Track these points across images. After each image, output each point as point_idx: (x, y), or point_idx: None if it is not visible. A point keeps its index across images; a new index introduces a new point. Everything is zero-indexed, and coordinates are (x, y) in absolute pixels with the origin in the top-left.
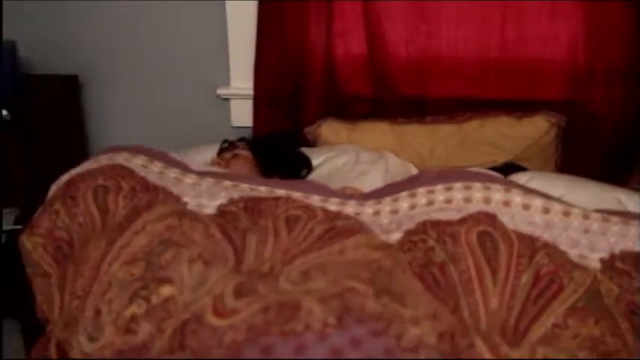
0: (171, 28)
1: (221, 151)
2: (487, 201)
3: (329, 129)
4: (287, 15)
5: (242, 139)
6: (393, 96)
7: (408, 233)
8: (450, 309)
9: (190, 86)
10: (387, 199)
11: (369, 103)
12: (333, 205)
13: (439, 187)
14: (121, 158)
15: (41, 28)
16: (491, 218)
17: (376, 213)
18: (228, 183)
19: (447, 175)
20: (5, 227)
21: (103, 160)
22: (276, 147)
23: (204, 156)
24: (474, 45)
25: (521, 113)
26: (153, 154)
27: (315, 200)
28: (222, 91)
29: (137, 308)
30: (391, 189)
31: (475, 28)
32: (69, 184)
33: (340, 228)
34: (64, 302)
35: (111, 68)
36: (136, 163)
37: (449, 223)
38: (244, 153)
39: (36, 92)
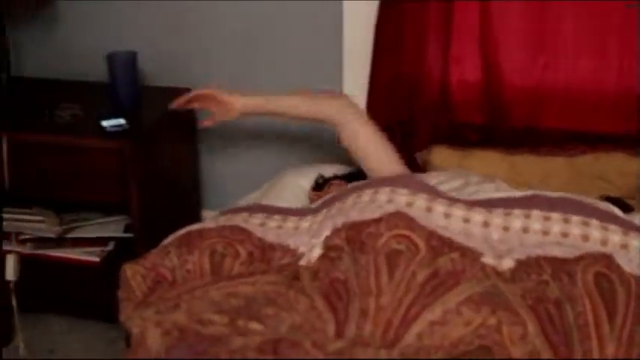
0: (286, 48)
1: (316, 187)
2: (604, 243)
3: (440, 155)
4: (404, 39)
5: (336, 177)
6: (504, 125)
7: (521, 264)
8: (562, 355)
9: None
10: (499, 211)
11: (480, 131)
12: (440, 205)
13: (555, 215)
14: (239, 219)
15: (159, 40)
16: (608, 259)
17: (486, 224)
18: (336, 207)
19: (565, 205)
20: (115, 234)
21: (222, 220)
22: None
23: (301, 181)
24: (590, 77)
25: (638, 149)
26: (271, 210)
27: (421, 200)
28: None
29: (218, 319)
30: (504, 202)
31: (592, 60)
32: (187, 236)
33: (444, 274)
34: (149, 299)
35: (224, 81)
36: (254, 222)
37: (564, 260)
38: (338, 181)
39: (152, 104)
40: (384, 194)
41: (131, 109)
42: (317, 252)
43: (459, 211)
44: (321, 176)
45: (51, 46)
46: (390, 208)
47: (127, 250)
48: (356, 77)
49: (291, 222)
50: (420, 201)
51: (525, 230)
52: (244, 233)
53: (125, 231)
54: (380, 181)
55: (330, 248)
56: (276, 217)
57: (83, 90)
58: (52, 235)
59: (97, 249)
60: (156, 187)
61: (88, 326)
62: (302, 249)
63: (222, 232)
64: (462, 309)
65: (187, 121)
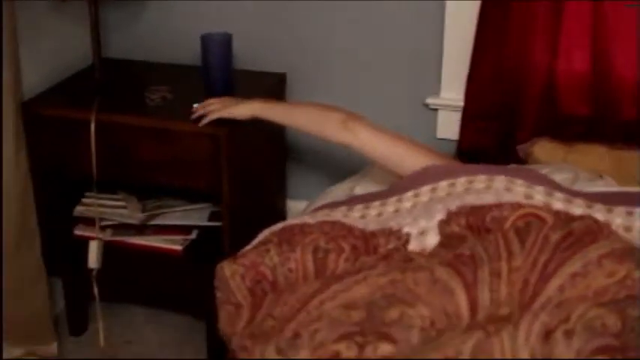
0: (385, 31)
1: None
2: None
3: (543, 148)
4: (509, 27)
5: None
6: (612, 118)
7: None
8: None
9: (398, 92)
10: (621, 209)
11: (586, 123)
12: (558, 201)
13: None
14: (339, 214)
15: (255, 24)
16: None
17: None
18: (442, 187)
19: None
20: (199, 223)
21: (320, 215)
22: None
23: None
24: None
25: None
26: (368, 198)
27: (538, 193)
28: (431, 101)
29: (345, 349)
30: (625, 198)
31: None
32: (286, 231)
33: (579, 233)
34: (255, 320)
35: (318, 68)
36: (354, 216)
37: None
38: None
39: (245, 88)
40: (500, 182)
41: (224, 93)
42: (433, 238)
43: (578, 209)
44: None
45: (141, 28)
46: (508, 197)
47: (210, 240)
48: (455, 65)
49: (390, 205)
50: (539, 195)
51: None
52: (345, 228)
53: (209, 219)
54: (491, 169)
55: (450, 237)
56: (375, 203)
57: (173, 73)
58: (134, 222)
59: (180, 237)
60: (246, 176)
61: (168, 318)
62: (407, 229)
63: (323, 227)
64: (604, 261)
65: None
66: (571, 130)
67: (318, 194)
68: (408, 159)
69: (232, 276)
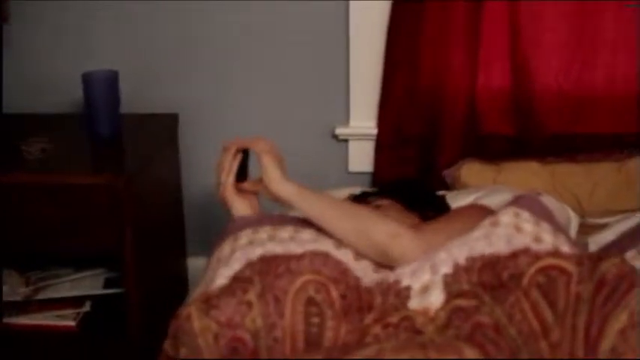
0: (284, 58)
1: None
2: None
3: (471, 171)
4: (422, 43)
5: (367, 194)
6: (538, 133)
7: None
8: None
9: (303, 125)
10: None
11: (510, 141)
12: (564, 244)
13: None
14: (330, 244)
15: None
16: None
17: None
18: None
19: None
20: (94, 292)
21: (308, 242)
22: (417, 188)
23: None
24: (632, 77)
25: None
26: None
27: (545, 232)
28: (340, 131)
29: None
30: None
31: (635, 60)
32: (269, 266)
33: (612, 280)
34: None
35: (214, 105)
36: (347, 254)
37: None
38: (386, 202)
39: (134, 132)
40: (508, 217)
41: (111, 138)
42: (437, 297)
43: None
44: (352, 195)
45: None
46: (519, 240)
47: (107, 311)
48: (364, 89)
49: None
50: (547, 235)
51: None
52: (339, 267)
53: (105, 287)
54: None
55: (458, 295)
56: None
57: (49, 123)
58: (17, 298)
59: (72, 311)
60: (148, 233)
61: None
62: (406, 282)
63: (314, 262)
64: None
65: (171, 153)
66: (496, 149)
67: None
68: None
69: (203, 332)
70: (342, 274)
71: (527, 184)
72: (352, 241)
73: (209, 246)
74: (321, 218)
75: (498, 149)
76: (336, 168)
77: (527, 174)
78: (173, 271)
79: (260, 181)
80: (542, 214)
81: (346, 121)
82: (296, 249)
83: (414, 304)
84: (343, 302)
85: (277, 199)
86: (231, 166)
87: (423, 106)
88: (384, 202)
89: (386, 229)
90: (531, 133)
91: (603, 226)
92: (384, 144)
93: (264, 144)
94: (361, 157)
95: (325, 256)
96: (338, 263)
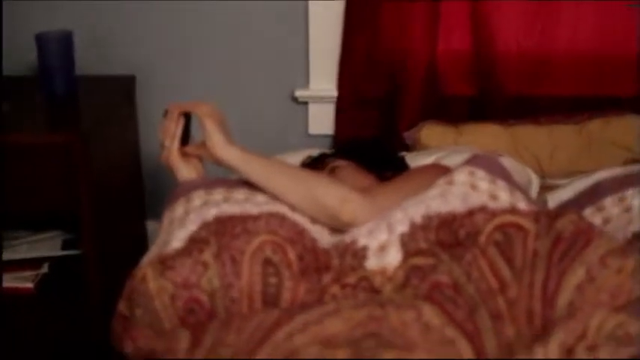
0: (242, 20)
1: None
2: None
3: (431, 132)
4: (382, 6)
5: (325, 155)
6: (498, 95)
7: None
8: None
9: (262, 86)
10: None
11: (470, 103)
12: (520, 201)
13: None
14: (284, 207)
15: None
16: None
17: None
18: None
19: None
20: (52, 253)
21: (264, 203)
22: (375, 148)
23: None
24: (593, 39)
25: None
26: None
27: (502, 190)
28: (299, 93)
29: None
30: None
31: (596, 21)
32: (225, 226)
33: (569, 236)
34: (202, 344)
35: (171, 65)
36: (304, 217)
37: None
38: (343, 163)
39: (90, 95)
40: (463, 175)
41: (66, 99)
42: (394, 256)
43: None
44: (310, 156)
45: None
46: (475, 198)
47: (65, 272)
48: (324, 50)
49: None
50: (503, 193)
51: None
52: (296, 229)
53: (63, 248)
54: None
55: (415, 254)
56: None
57: (4, 85)
58: None
59: (30, 273)
60: (105, 194)
61: None
62: (363, 241)
63: (270, 223)
64: (607, 260)
65: (128, 114)
66: (457, 111)
67: None
68: None
69: (159, 293)
70: (299, 235)
71: (488, 146)
72: (301, 207)
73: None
74: (267, 183)
75: (459, 111)
76: (296, 131)
77: (488, 136)
78: (132, 233)
79: (203, 144)
80: (498, 173)
81: (306, 83)
82: (252, 209)
83: (371, 263)
84: (300, 264)
85: (221, 164)
86: (175, 130)
87: (383, 68)
88: (342, 162)
89: (335, 193)
90: (492, 95)
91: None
92: (344, 106)
93: (206, 107)
94: (321, 120)
95: (282, 218)
96: (294, 224)
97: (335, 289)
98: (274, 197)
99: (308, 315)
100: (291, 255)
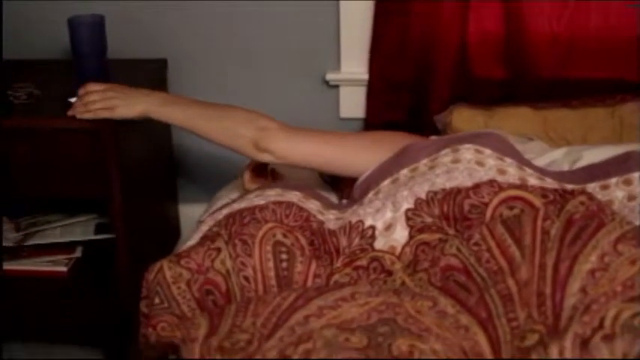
0: (274, 3)
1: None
2: None
3: (462, 116)
4: None
5: None
6: (530, 77)
7: None
8: None
9: (293, 70)
10: (593, 186)
11: (502, 86)
12: (530, 177)
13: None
14: (294, 197)
15: (128, 5)
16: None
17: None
18: (403, 174)
19: None
20: (84, 237)
21: (271, 195)
22: None
23: None
24: (625, 21)
25: None
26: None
27: (510, 166)
28: (331, 77)
29: None
30: (590, 172)
31: (630, 2)
32: (234, 220)
33: (580, 219)
34: (219, 330)
35: (203, 51)
36: (314, 203)
37: None
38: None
39: (122, 78)
40: (469, 153)
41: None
42: (401, 233)
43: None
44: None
45: None
46: (482, 174)
47: (98, 256)
48: (355, 34)
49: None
50: (511, 169)
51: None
52: (302, 214)
53: (96, 233)
54: (451, 138)
55: (421, 230)
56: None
57: (39, 68)
58: (8, 244)
59: (63, 257)
60: (136, 178)
61: (60, 352)
62: (369, 222)
63: (276, 211)
64: (620, 247)
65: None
66: (487, 94)
67: (210, 196)
68: (346, 159)
69: (175, 281)
70: (306, 221)
71: (519, 130)
72: (222, 140)
73: (202, 193)
74: (187, 122)
75: (490, 94)
76: (328, 114)
77: (519, 119)
78: (164, 218)
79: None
80: (506, 150)
81: (337, 66)
82: (259, 202)
83: (379, 243)
84: (311, 248)
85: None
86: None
87: (414, 51)
88: None
89: (255, 124)
90: (524, 78)
91: None
92: (375, 90)
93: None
94: (352, 103)
95: (287, 205)
96: (300, 211)
97: (347, 270)
98: (197, 134)
99: (323, 300)
100: (303, 241)
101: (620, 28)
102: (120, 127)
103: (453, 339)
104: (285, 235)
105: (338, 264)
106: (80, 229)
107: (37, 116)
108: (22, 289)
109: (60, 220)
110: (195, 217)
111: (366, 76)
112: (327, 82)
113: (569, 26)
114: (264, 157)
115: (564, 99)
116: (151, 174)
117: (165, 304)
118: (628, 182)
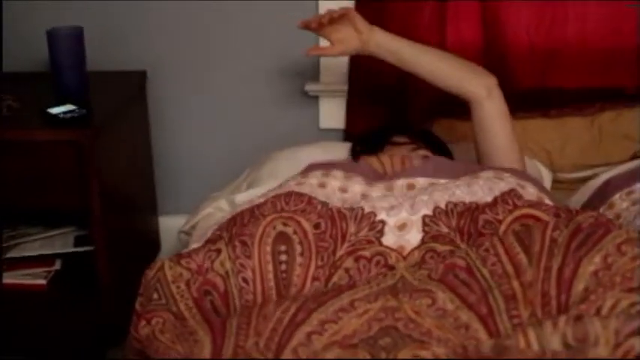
0: (253, 15)
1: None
2: None
3: (442, 127)
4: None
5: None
6: (508, 88)
7: None
8: None
9: (272, 80)
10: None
11: None
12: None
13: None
14: (293, 184)
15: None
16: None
17: None
18: (420, 181)
19: None
20: (64, 250)
21: (272, 191)
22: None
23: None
24: (602, 31)
25: None
26: (328, 167)
27: (529, 188)
28: (310, 87)
29: None
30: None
31: (607, 12)
32: (235, 222)
33: (588, 227)
34: (222, 351)
35: (182, 61)
36: (311, 183)
37: None
38: (428, 153)
39: (101, 90)
40: (488, 172)
41: (78, 95)
42: (415, 236)
43: None
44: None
45: None
46: (501, 186)
47: (78, 269)
48: None
49: (357, 184)
50: (531, 189)
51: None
52: (302, 199)
53: (76, 245)
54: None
55: (435, 238)
56: (338, 173)
57: (17, 81)
58: None
59: (42, 270)
60: (115, 190)
61: None
62: (382, 216)
63: (276, 205)
64: (624, 248)
65: (139, 110)
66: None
67: (190, 208)
68: (504, 154)
69: (175, 280)
70: (308, 204)
71: None
72: (446, 84)
73: (181, 205)
74: (417, 59)
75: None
76: (308, 125)
77: None
78: (144, 230)
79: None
80: (523, 176)
81: (317, 77)
82: (259, 200)
83: (389, 240)
84: (316, 231)
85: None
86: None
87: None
88: (428, 153)
89: (482, 82)
90: (502, 88)
91: (574, 181)
92: (354, 100)
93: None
94: (332, 114)
95: (286, 195)
96: (300, 196)
97: (349, 262)
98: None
99: (323, 313)
100: (305, 225)
101: (597, 38)
102: (99, 139)
103: (455, 340)
104: (285, 224)
105: (342, 251)
106: (59, 242)
107: (16, 129)
108: (0, 302)
109: (39, 232)
110: (175, 229)
111: (345, 87)
112: (306, 93)
113: (547, 36)
114: (481, 104)
115: (543, 109)
116: (131, 186)
117: (163, 301)
118: (611, 206)
